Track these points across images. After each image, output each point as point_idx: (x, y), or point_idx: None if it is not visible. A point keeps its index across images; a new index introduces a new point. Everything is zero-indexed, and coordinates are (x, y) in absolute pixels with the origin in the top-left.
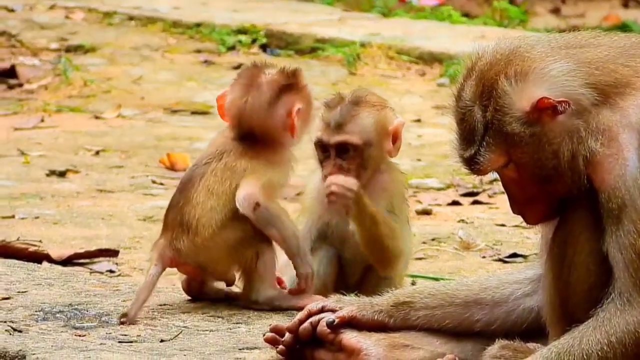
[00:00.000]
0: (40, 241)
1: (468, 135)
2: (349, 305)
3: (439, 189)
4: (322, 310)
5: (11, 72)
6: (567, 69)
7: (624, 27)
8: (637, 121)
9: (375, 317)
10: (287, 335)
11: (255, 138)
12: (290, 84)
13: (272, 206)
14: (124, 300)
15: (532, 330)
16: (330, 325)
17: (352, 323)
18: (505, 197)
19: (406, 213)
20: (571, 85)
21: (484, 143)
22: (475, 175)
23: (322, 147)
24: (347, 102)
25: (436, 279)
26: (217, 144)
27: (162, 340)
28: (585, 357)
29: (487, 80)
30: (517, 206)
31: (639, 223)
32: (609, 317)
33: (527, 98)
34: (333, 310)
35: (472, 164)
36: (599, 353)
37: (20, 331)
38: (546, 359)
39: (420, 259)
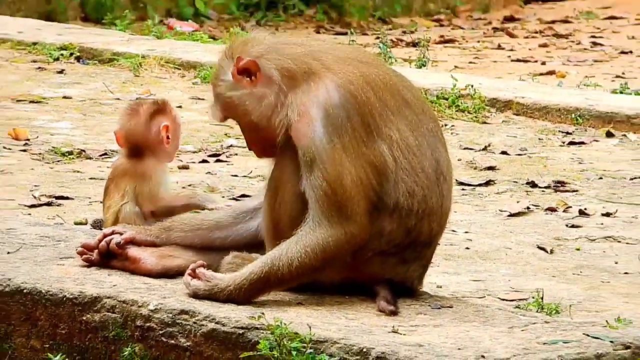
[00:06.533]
0: None
1: (214, 99)
2: (130, 230)
3: (194, 152)
4: (113, 233)
5: None
6: (265, 51)
7: None
8: (322, 100)
9: (147, 238)
10: (95, 251)
11: (141, 154)
12: (159, 109)
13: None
14: None
15: (256, 245)
16: (117, 244)
17: (133, 242)
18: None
19: None
20: (265, 65)
21: (215, 104)
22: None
23: None
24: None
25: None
26: (116, 164)
27: (8, 252)
28: (289, 261)
29: (219, 62)
30: (248, 144)
31: (324, 170)
32: (305, 235)
33: (231, 69)
34: (121, 233)
35: (212, 117)
36: (299, 259)
37: None
38: (263, 263)
39: None
